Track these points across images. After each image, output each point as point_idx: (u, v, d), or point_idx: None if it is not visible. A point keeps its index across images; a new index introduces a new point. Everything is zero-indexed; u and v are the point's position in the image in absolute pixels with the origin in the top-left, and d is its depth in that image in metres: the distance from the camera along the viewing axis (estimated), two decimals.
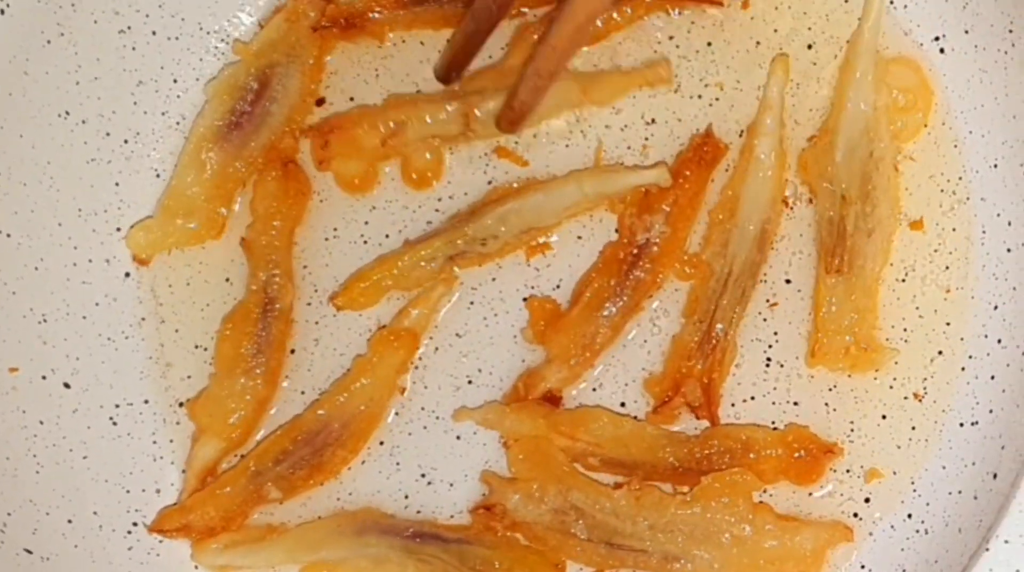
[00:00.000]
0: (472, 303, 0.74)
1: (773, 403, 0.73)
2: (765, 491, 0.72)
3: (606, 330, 0.72)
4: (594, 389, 0.73)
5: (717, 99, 0.74)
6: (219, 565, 0.72)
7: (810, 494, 0.72)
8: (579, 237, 0.74)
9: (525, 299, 0.74)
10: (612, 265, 0.72)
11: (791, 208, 0.73)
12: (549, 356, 0.72)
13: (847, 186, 0.71)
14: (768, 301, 0.73)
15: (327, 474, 0.72)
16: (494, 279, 0.74)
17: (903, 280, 0.73)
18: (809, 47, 0.74)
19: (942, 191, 0.73)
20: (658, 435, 0.71)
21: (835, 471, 0.72)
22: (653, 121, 0.74)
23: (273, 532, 0.72)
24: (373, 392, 0.72)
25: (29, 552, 0.69)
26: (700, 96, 0.74)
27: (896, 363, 0.72)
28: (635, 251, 0.72)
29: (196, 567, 0.73)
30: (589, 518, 0.70)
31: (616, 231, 0.74)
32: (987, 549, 0.63)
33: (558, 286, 0.74)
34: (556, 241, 0.74)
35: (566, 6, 0.65)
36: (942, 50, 0.73)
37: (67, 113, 0.72)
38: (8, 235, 0.71)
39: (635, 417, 0.72)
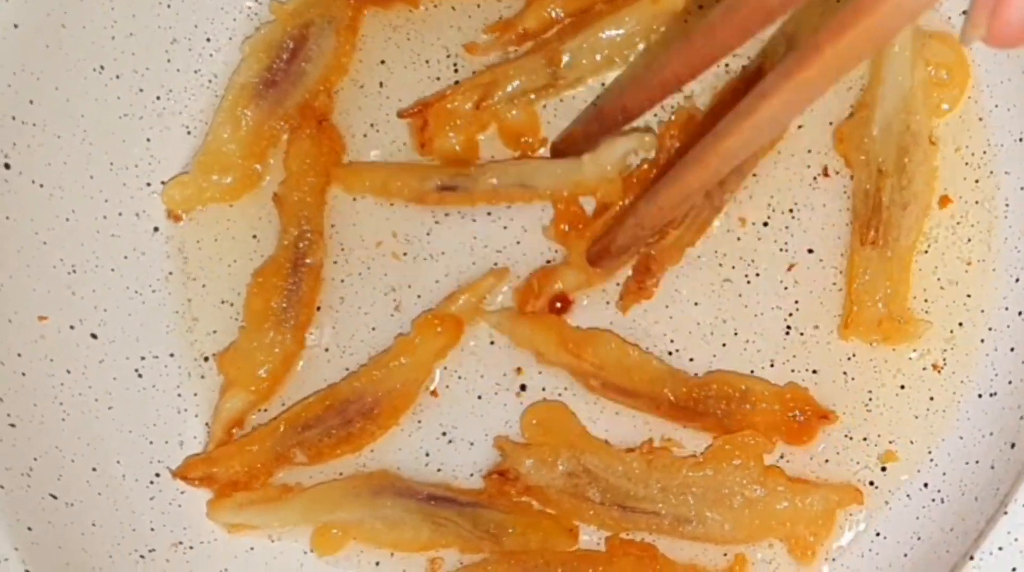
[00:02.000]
0: (495, 265, 0.75)
1: (792, 370, 0.73)
2: (782, 456, 0.72)
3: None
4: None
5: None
6: (234, 523, 0.72)
7: (826, 460, 0.73)
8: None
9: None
10: (644, 183, 0.72)
11: (825, 176, 0.73)
12: (568, 259, 0.72)
13: (883, 159, 0.72)
14: (788, 266, 0.73)
15: (354, 446, 0.73)
16: (518, 243, 0.74)
17: (926, 251, 0.73)
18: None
19: (966, 164, 0.73)
20: (661, 369, 0.72)
21: (851, 438, 0.73)
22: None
23: (288, 492, 0.73)
24: (410, 373, 0.72)
25: (54, 497, 0.69)
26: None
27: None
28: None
29: None
30: (602, 482, 0.71)
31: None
32: (1005, 512, 0.63)
33: None
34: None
35: (677, 173, 0.63)
36: None
37: (102, 68, 0.73)
38: (41, 186, 0.72)
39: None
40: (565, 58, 0.73)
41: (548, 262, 0.74)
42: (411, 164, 0.74)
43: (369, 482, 0.72)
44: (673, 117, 0.73)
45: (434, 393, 0.74)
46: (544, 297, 0.73)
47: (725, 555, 0.71)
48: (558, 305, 0.73)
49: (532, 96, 0.74)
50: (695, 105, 0.74)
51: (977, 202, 0.73)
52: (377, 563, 0.73)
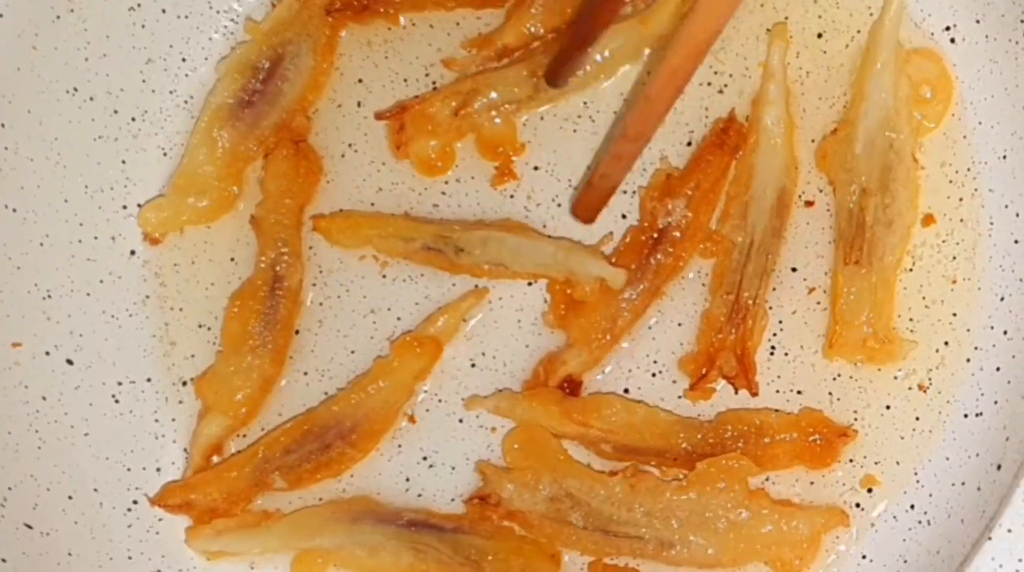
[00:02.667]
0: (476, 285, 0.74)
1: (777, 391, 0.73)
2: (767, 478, 0.72)
3: (627, 314, 0.72)
4: (627, 370, 0.73)
5: (726, 86, 0.74)
6: (213, 551, 0.72)
7: (811, 483, 0.72)
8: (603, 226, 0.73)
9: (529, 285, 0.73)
10: (633, 249, 0.72)
11: (809, 207, 0.73)
12: (570, 340, 0.72)
13: (867, 178, 0.71)
14: (772, 289, 0.73)
15: (334, 471, 0.72)
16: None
17: (910, 270, 0.73)
18: (819, 36, 0.74)
19: (951, 182, 0.73)
20: (671, 421, 0.71)
21: (838, 460, 0.72)
22: None
23: (267, 518, 0.72)
24: (389, 395, 0.72)
25: (29, 527, 0.68)
26: (710, 83, 0.74)
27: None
28: (656, 235, 0.72)
29: None
30: (584, 506, 0.70)
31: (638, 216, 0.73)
32: (989, 538, 0.63)
33: None
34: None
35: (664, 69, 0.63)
36: (953, 40, 0.73)
37: (75, 89, 0.72)
38: (14, 210, 0.71)
39: (650, 402, 0.73)
40: None
41: (529, 284, 0.73)
42: (397, 219, 0.73)
43: (349, 508, 0.71)
44: (651, 180, 0.73)
45: (412, 419, 0.73)
46: (552, 383, 0.72)
47: None
48: (566, 388, 0.72)
49: (513, 107, 0.73)
50: (671, 165, 0.73)
51: (962, 220, 0.73)
52: None
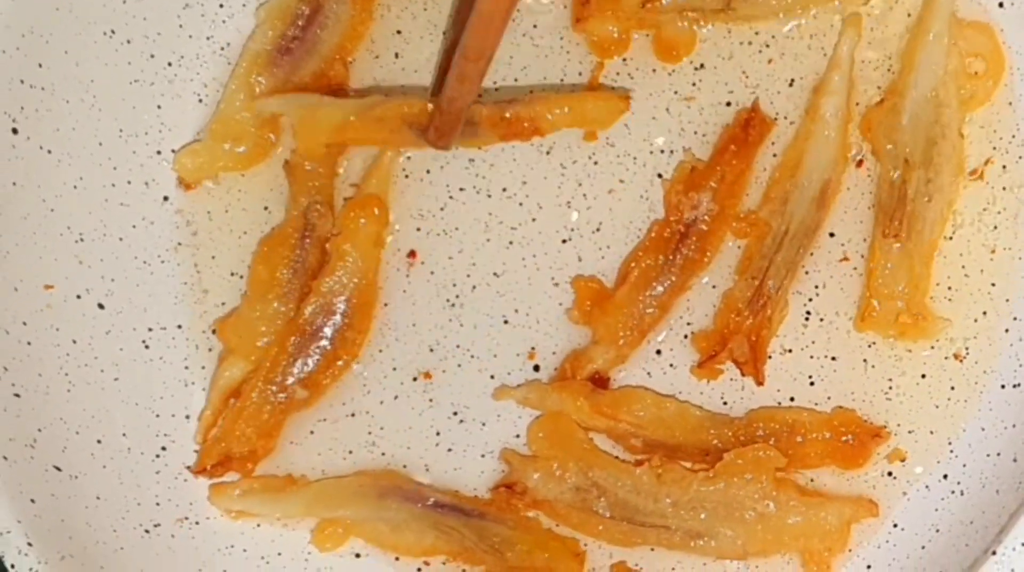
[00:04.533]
0: (511, 243, 0.73)
1: (811, 357, 0.72)
2: None
3: (653, 310, 0.71)
4: (645, 342, 0.72)
5: (767, 46, 0.73)
6: (236, 510, 0.71)
7: None
8: (620, 184, 0.73)
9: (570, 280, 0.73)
10: (659, 243, 0.71)
11: (859, 167, 0.72)
12: (596, 337, 0.71)
13: (911, 150, 0.70)
14: (809, 253, 0.72)
15: (344, 359, 0.72)
16: (533, 220, 0.73)
17: (950, 238, 0.72)
18: (866, 2, 0.72)
19: (995, 149, 0.72)
20: (702, 417, 0.70)
21: (870, 461, 0.71)
22: (702, 66, 0.73)
23: (292, 484, 0.72)
24: (359, 266, 0.71)
25: (58, 469, 0.68)
26: (750, 43, 0.73)
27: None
28: (682, 229, 0.71)
29: None
30: (611, 495, 0.70)
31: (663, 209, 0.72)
32: None
33: (597, 230, 0.73)
34: (602, 220, 0.73)
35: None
36: (1001, 4, 0.71)
37: (112, 32, 0.72)
38: (49, 151, 0.70)
39: (677, 397, 0.72)
40: None
41: (564, 242, 0.73)
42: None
43: (376, 482, 0.71)
44: (675, 173, 0.72)
45: (427, 376, 0.73)
46: (582, 377, 0.71)
47: None
48: (596, 385, 0.71)
49: (698, 16, 0.72)
50: (695, 157, 0.72)
51: (1004, 188, 0.72)
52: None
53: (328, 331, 0.71)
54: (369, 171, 0.72)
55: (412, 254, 0.73)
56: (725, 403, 0.72)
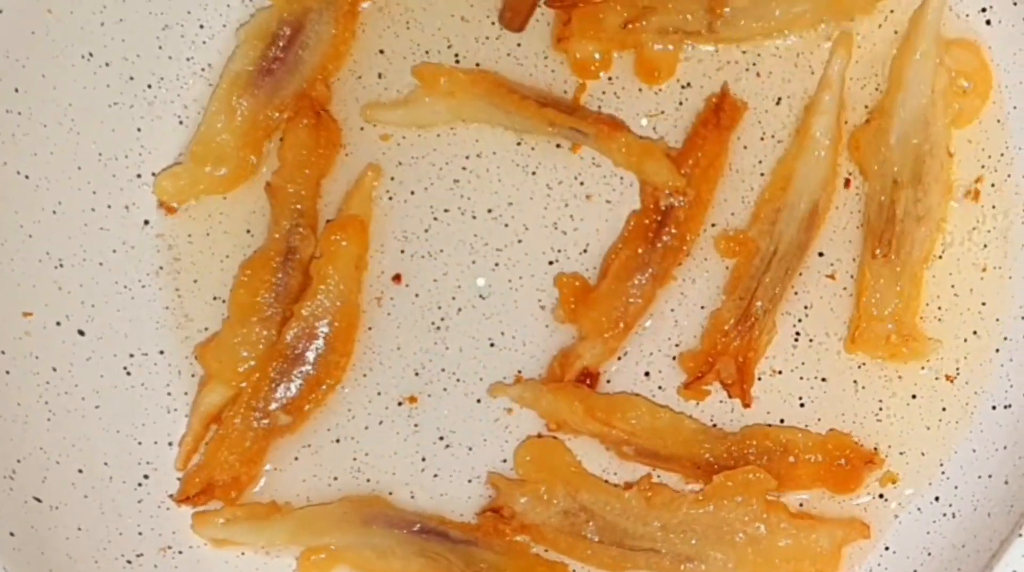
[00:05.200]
0: (496, 265, 0.72)
1: (801, 378, 0.71)
2: None
3: (637, 301, 0.70)
4: (633, 362, 0.72)
5: (754, 64, 0.72)
6: (219, 538, 0.71)
7: None
8: (607, 205, 0.72)
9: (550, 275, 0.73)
10: (638, 234, 0.71)
11: (847, 187, 0.71)
12: (582, 333, 0.71)
13: (899, 170, 0.69)
14: (799, 274, 0.71)
15: (327, 384, 0.71)
16: (519, 241, 0.72)
17: (940, 257, 0.71)
18: (852, 19, 0.72)
19: (983, 167, 0.71)
20: (696, 429, 0.70)
21: (862, 487, 0.71)
22: (688, 84, 0.73)
23: (277, 511, 0.71)
24: (341, 291, 0.70)
25: (38, 500, 0.68)
26: (736, 62, 0.73)
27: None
28: (659, 218, 0.70)
29: None
30: (599, 519, 0.69)
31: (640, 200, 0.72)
32: (1020, 534, 0.62)
33: (584, 251, 0.72)
34: (590, 242, 0.72)
35: None
36: (988, 22, 0.71)
37: (90, 55, 0.71)
38: (26, 177, 0.70)
39: (672, 407, 0.72)
40: (727, 11, 0.70)
41: (550, 263, 0.72)
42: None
43: (360, 508, 0.70)
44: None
45: (412, 400, 0.72)
46: (569, 378, 0.70)
47: None
48: (585, 381, 0.71)
49: (679, 36, 0.71)
50: (667, 145, 0.72)
51: (994, 206, 0.72)
52: None
53: (310, 356, 0.70)
54: (350, 192, 0.72)
55: (397, 278, 0.72)
56: (715, 425, 0.71)
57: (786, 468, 0.69)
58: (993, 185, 0.71)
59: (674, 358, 0.72)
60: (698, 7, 0.71)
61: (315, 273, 0.70)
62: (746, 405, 0.70)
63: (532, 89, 0.72)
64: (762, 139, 0.72)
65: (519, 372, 0.72)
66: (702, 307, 0.72)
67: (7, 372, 0.68)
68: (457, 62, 0.73)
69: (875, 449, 0.71)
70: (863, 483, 0.70)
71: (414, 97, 0.71)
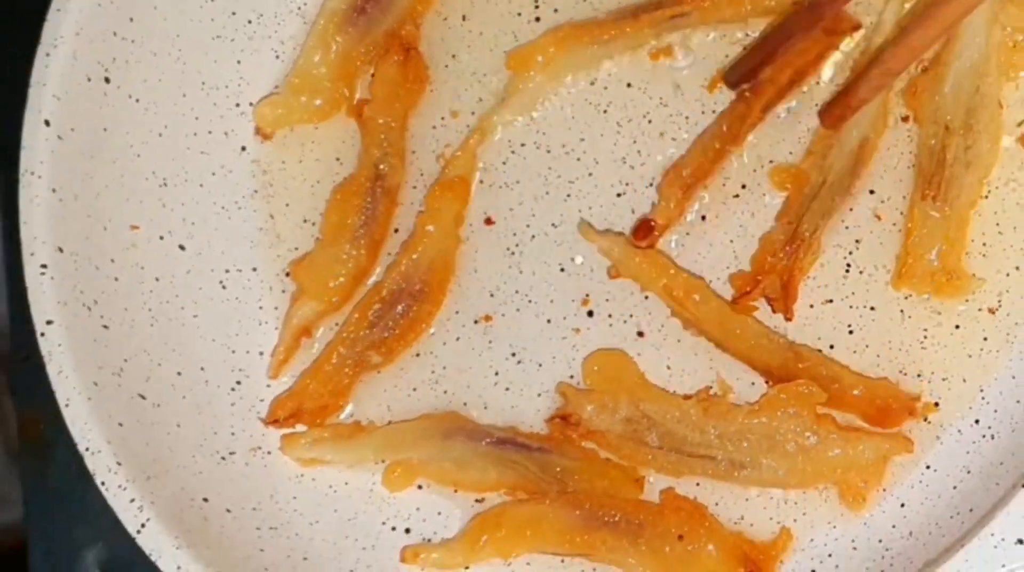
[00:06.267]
0: (568, 197, 0.77)
1: (850, 306, 0.75)
2: None
3: (706, 163, 0.75)
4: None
5: None
6: (307, 458, 0.75)
7: None
8: (672, 142, 0.77)
9: None
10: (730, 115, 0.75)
11: (905, 122, 0.75)
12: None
13: (951, 118, 0.73)
14: (850, 209, 0.76)
15: (419, 329, 0.76)
16: (590, 174, 0.77)
17: (985, 197, 0.75)
18: None
19: None
20: (760, 332, 0.74)
21: (905, 374, 0.75)
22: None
23: (360, 431, 0.75)
24: (439, 243, 0.75)
25: (143, 397, 0.72)
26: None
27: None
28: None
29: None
30: (660, 427, 0.73)
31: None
32: None
33: (650, 185, 0.77)
34: (655, 175, 0.77)
35: (934, 8, 0.68)
36: None
37: None
38: (137, 100, 0.75)
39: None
40: None
41: (618, 195, 0.77)
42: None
43: (440, 424, 0.75)
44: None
45: (487, 318, 0.77)
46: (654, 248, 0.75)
47: (771, 519, 0.74)
48: (640, 232, 0.75)
49: None
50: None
51: None
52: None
53: (406, 303, 0.75)
54: (455, 155, 0.77)
55: (489, 221, 0.77)
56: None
57: (833, 393, 0.73)
58: None
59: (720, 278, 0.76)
60: None
61: (417, 227, 0.75)
62: (788, 319, 0.74)
63: (609, 14, 0.76)
64: (818, 83, 0.76)
65: (587, 295, 0.77)
66: (756, 238, 0.76)
67: (116, 279, 0.73)
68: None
69: (918, 396, 0.74)
70: (900, 425, 0.74)
71: (513, 88, 0.76)
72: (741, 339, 0.74)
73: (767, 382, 0.75)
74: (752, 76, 0.74)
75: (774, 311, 0.74)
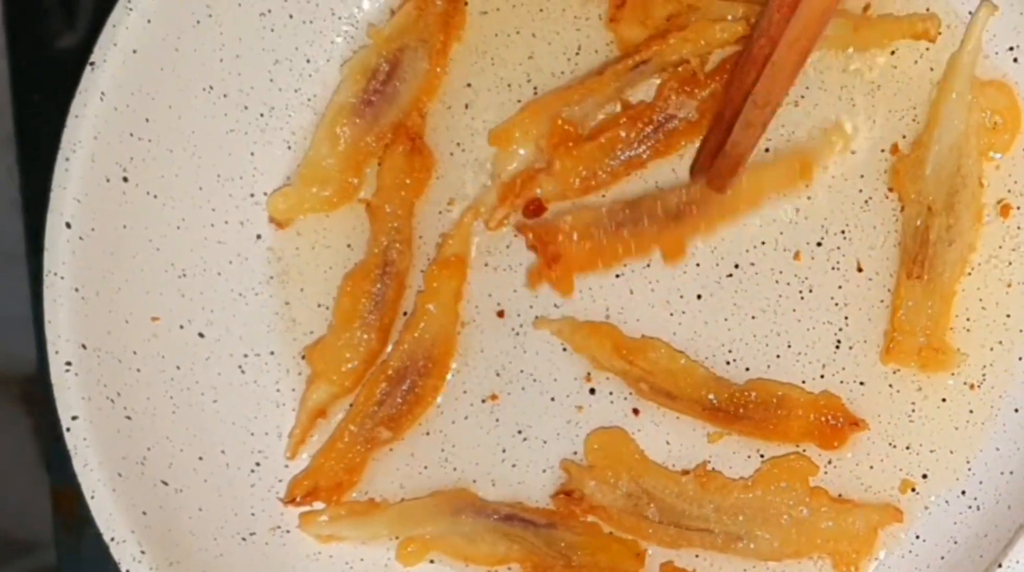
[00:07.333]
0: None
1: (841, 382, 0.78)
2: (829, 461, 0.78)
3: (605, 175, 0.77)
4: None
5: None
6: (325, 535, 0.78)
7: (871, 468, 0.78)
8: None
9: None
10: (636, 121, 0.77)
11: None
12: (552, 170, 0.77)
13: (934, 198, 0.76)
14: (839, 286, 0.78)
15: (425, 404, 0.79)
16: None
17: (969, 274, 0.77)
18: (892, 52, 0.79)
19: (1009, 191, 0.77)
20: (706, 377, 0.77)
21: (895, 446, 0.77)
22: None
23: (375, 507, 0.78)
24: (440, 320, 0.78)
25: (165, 483, 0.75)
26: None
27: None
28: (660, 118, 0.77)
29: None
30: (659, 502, 0.76)
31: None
32: None
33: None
34: None
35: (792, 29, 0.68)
36: (1016, 60, 0.77)
37: (211, 87, 0.79)
38: (155, 196, 0.77)
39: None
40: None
41: (616, 277, 0.80)
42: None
43: (450, 501, 0.78)
44: (680, 71, 0.77)
45: (494, 398, 0.80)
46: (523, 197, 0.78)
47: None
48: (530, 208, 0.78)
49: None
50: (701, 66, 0.77)
51: (1019, 227, 0.78)
52: None
53: (412, 379, 0.78)
54: (450, 234, 0.79)
55: (500, 314, 0.80)
56: (748, 369, 0.79)
57: (777, 419, 0.76)
58: (1019, 207, 0.78)
59: None
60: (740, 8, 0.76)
61: (418, 306, 0.78)
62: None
63: (579, 78, 0.79)
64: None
65: (588, 373, 0.80)
66: (751, 316, 0.79)
67: (138, 370, 0.76)
68: (535, 93, 0.81)
69: (863, 420, 0.77)
70: (846, 443, 0.76)
71: (500, 166, 0.79)
72: (689, 384, 0.77)
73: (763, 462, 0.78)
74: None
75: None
